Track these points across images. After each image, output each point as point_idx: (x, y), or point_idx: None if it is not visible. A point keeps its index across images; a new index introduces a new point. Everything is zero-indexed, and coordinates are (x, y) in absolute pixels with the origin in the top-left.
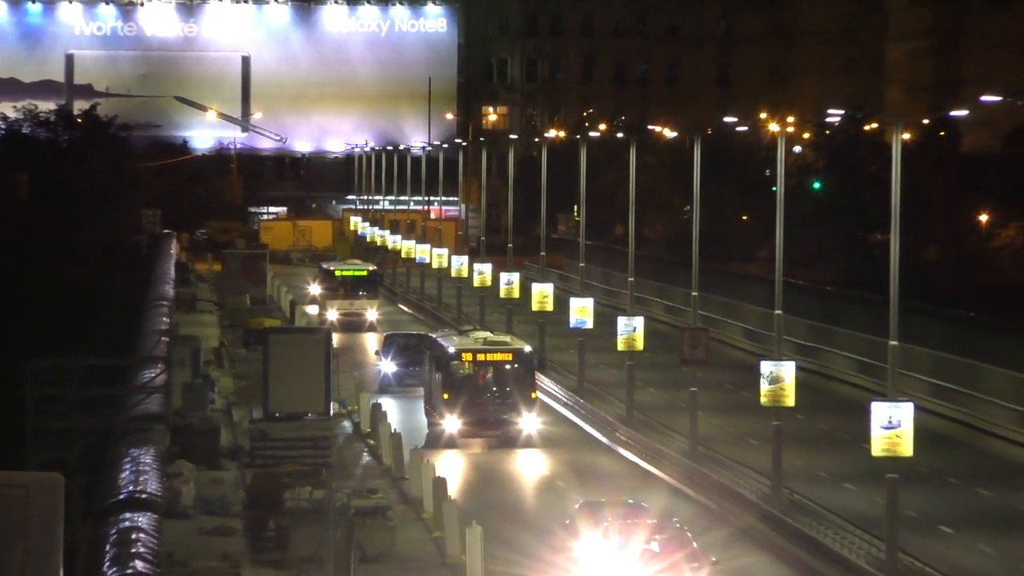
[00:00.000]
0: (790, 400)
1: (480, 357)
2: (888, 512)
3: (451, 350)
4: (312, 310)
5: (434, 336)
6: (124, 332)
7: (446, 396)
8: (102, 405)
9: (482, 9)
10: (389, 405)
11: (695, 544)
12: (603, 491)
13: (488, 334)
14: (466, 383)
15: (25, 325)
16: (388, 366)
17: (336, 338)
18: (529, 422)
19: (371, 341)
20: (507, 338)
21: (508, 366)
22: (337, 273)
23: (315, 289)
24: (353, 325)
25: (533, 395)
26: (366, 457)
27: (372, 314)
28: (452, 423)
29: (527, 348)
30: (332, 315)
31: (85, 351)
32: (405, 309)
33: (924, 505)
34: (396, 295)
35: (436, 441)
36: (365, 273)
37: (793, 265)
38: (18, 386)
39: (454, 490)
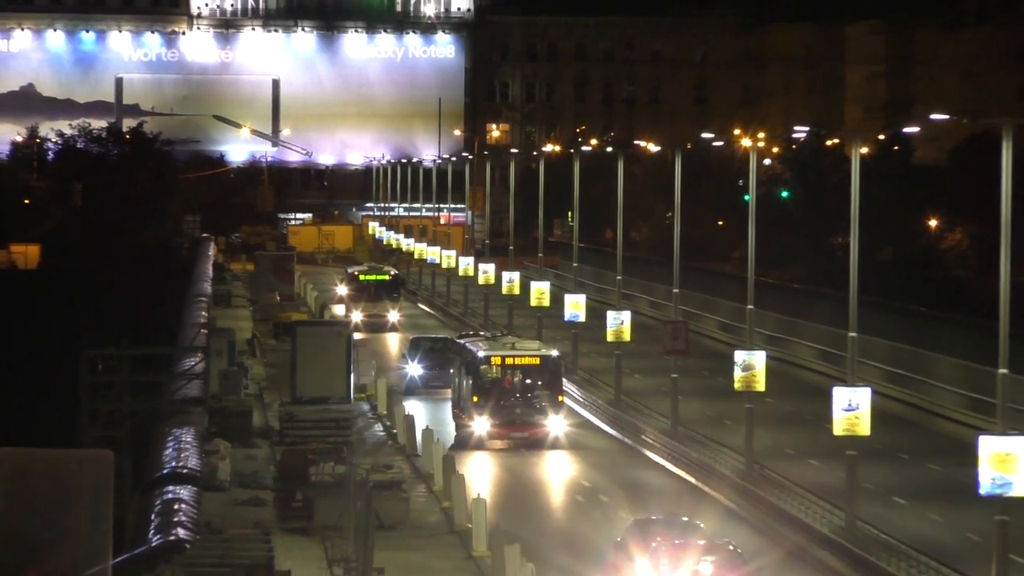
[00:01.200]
0: (761, 385)
1: (509, 361)
2: (848, 485)
3: (480, 354)
4: (339, 309)
5: (462, 341)
6: (168, 324)
7: (475, 399)
8: (148, 389)
9: (486, 37)
10: (416, 407)
11: (749, 567)
12: (600, 467)
13: (516, 339)
14: (495, 386)
15: (81, 318)
16: (414, 369)
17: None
18: (556, 424)
19: (393, 340)
20: (535, 343)
21: (536, 370)
22: (361, 277)
23: (342, 290)
24: (376, 326)
25: (560, 398)
26: (382, 436)
27: (394, 315)
28: (481, 425)
29: (554, 353)
30: (357, 316)
31: (134, 341)
32: (425, 308)
33: (880, 478)
34: (417, 295)
35: (465, 443)
36: (387, 277)
37: (763, 265)
38: (75, 372)
39: (485, 492)
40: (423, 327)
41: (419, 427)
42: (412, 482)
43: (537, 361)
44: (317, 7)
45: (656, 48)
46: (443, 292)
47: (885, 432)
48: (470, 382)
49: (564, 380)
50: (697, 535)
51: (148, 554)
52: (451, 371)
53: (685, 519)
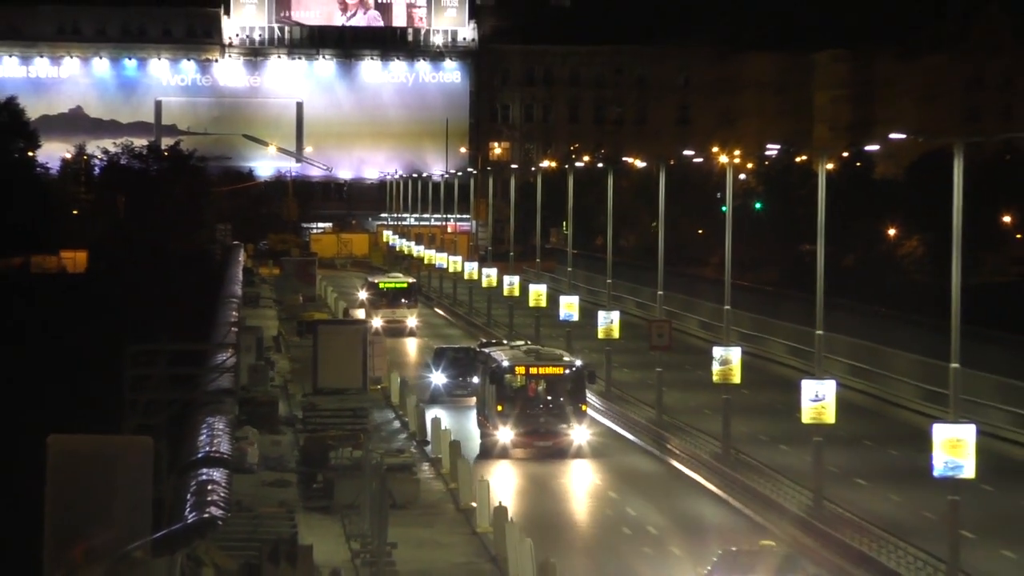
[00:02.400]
0: (737, 378)
1: (533, 370)
2: (815, 467)
3: (505, 363)
4: (360, 314)
5: (486, 350)
6: (202, 323)
7: (500, 408)
8: (184, 381)
9: (489, 64)
10: (440, 414)
11: None
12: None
13: (539, 348)
14: (519, 395)
15: (124, 317)
16: (438, 378)
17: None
18: (579, 433)
19: (411, 344)
20: (559, 352)
21: (560, 379)
22: (381, 285)
23: (363, 295)
24: (395, 330)
25: (583, 407)
26: (396, 424)
27: (412, 321)
28: (505, 434)
29: (578, 362)
30: (377, 322)
31: (171, 338)
32: (440, 312)
33: (844, 462)
34: (432, 300)
35: (489, 451)
36: (405, 285)
37: (739, 269)
38: (118, 366)
39: (508, 500)
40: (434, 326)
41: (428, 417)
42: (422, 465)
43: (561, 371)
44: (336, 37)
45: (642, 74)
46: (451, 295)
47: (848, 420)
48: (494, 391)
49: (587, 390)
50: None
51: (184, 530)
52: (474, 380)
53: (780, 551)
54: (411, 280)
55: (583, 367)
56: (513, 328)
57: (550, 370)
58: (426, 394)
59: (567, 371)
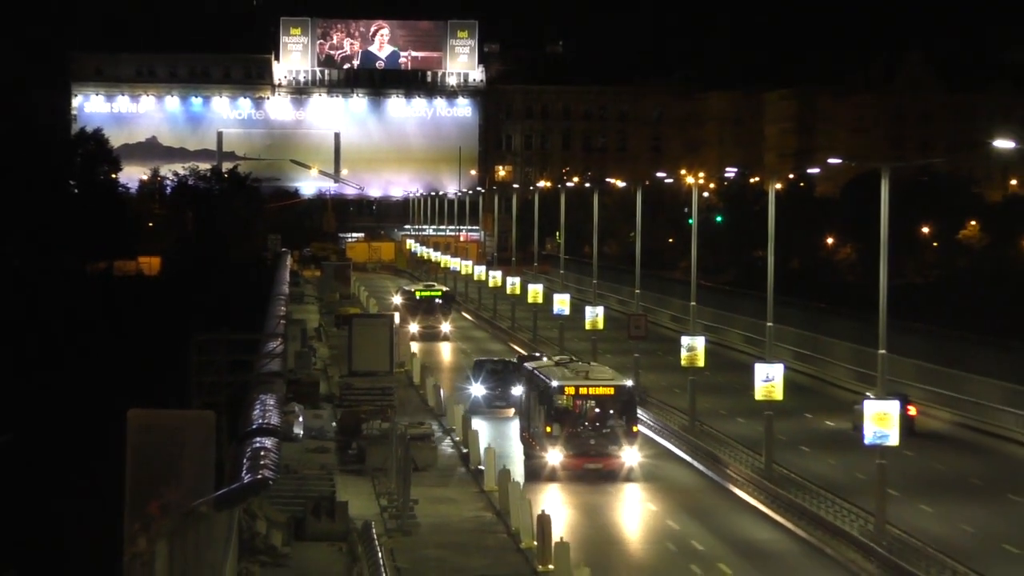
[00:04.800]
0: (701, 362)
1: (583, 391)
2: (766, 437)
3: (554, 383)
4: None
5: (530, 366)
6: (256, 316)
7: (548, 429)
8: (241, 366)
9: (495, 101)
10: (480, 426)
11: None
12: None
13: (588, 366)
14: (568, 416)
15: (191, 312)
16: (478, 389)
17: (416, 347)
18: (630, 455)
19: (445, 348)
20: (608, 371)
21: (610, 400)
22: (418, 294)
23: (397, 300)
24: (430, 335)
25: (635, 428)
26: (417, 400)
27: (446, 327)
28: (555, 456)
29: (629, 382)
30: (414, 328)
31: (230, 329)
32: (467, 317)
33: (789, 432)
34: (460, 304)
35: (537, 473)
36: (440, 294)
37: (703, 272)
38: (186, 353)
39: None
40: (460, 327)
41: (443, 393)
42: (439, 434)
43: (611, 391)
44: (368, 78)
45: (623, 109)
46: (476, 299)
47: (794, 397)
48: (543, 411)
49: (639, 410)
50: None
51: (241, 489)
52: (512, 391)
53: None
54: (445, 288)
55: (634, 387)
56: (536, 335)
57: (601, 390)
58: (466, 405)
59: (618, 391)
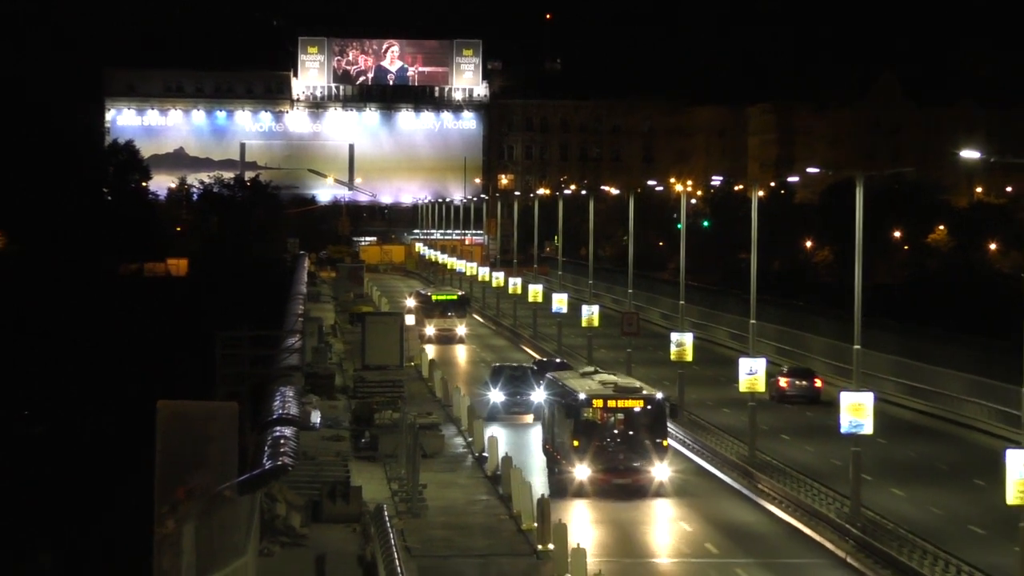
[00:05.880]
0: (689, 357)
1: (611, 404)
2: (750, 426)
3: (582, 396)
4: (410, 319)
5: (552, 375)
6: (276, 314)
7: (576, 443)
8: (262, 359)
9: (497, 114)
10: (497, 431)
11: None
12: None
13: (615, 378)
14: (596, 429)
15: (216, 309)
16: (496, 395)
17: (433, 350)
18: (661, 470)
19: (461, 350)
20: (637, 383)
21: (640, 413)
22: (434, 298)
23: (410, 303)
24: (446, 338)
25: (664, 443)
26: (425, 392)
27: (461, 329)
28: (582, 471)
29: (659, 395)
30: (430, 330)
31: (252, 326)
32: (478, 319)
33: (771, 422)
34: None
35: (563, 489)
36: (455, 297)
37: (690, 273)
38: (212, 348)
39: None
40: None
41: (449, 383)
42: (446, 424)
43: (641, 403)
44: (380, 93)
45: (616, 122)
46: (479, 298)
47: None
48: (570, 424)
49: (668, 423)
50: None
51: (262, 474)
52: (531, 397)
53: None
54: (461, 292)
55: (664, 399)
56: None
57: (630, 403)
58: (484, 411)
59: (648, 404)
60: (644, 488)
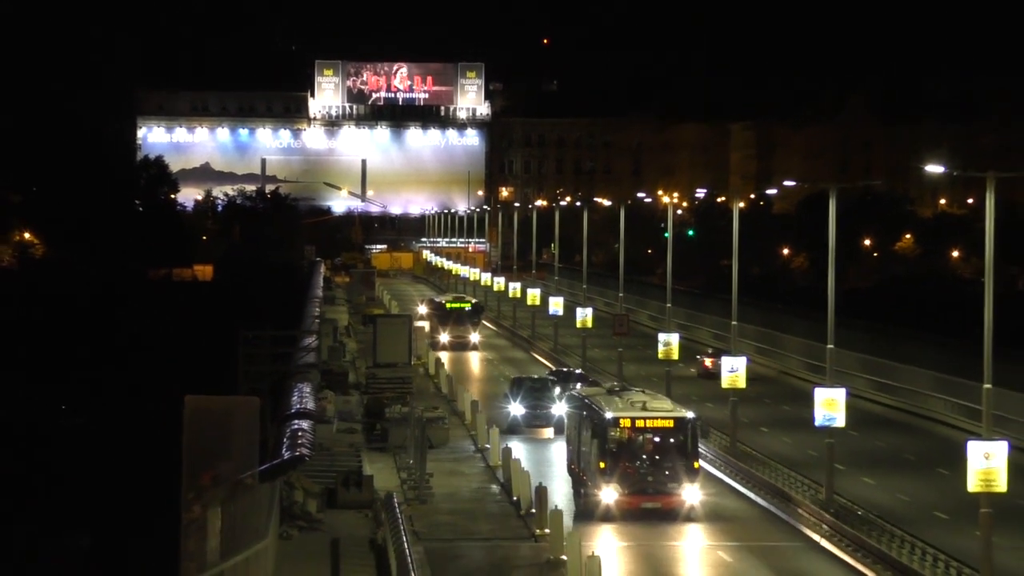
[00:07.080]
0: (676, 355)
1: (640, 423)
2: (731, 419)
3: (609, 415)
4: (420, 324)
5: (577, 393)
6: (294, 315)
7: (602, 464)
8: (282, 357)
9: (499, 131)
10: (517, 447)
11: None
12: None
13: (644, 396)
14: (624, 450)
15: (239, 311)
16: (516, 408)
17: (446, 357)
18: (691, 493)
19: (474, 357)
20: (668, 403)
21: (670, 433)
22: (448, 305)
23: (422, 309)
24: (460, 345)
25: (696, 464)
26: (432, 388)
27: (475, 337)
28: (609, 494)
29: (690, 414)
30: (444, 337)
31: (273, 326)
32: (489, 325)
33: (752, 415)
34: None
35: (590, 513)
36: (469, 305)
37: (677, 278)
38: (235, 346)
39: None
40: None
41: (450, 376)
42: (451, 418)
43: (671, 423)
44: (390, 112)
45: (608, 139)
46: (481, 300)
47: (755, 385)
48: (596, 444)
49: (700, 444)
50: None
51: (281, 464)
52: (552, 410)
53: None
54: (474, 300)
55: (696, 419)
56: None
57: (659, 423)
58: (504, 424)
59: (678, 423)
60: (674, 512)
